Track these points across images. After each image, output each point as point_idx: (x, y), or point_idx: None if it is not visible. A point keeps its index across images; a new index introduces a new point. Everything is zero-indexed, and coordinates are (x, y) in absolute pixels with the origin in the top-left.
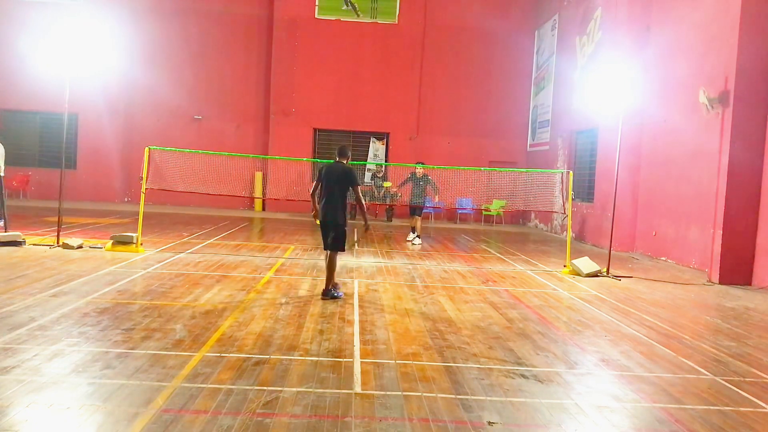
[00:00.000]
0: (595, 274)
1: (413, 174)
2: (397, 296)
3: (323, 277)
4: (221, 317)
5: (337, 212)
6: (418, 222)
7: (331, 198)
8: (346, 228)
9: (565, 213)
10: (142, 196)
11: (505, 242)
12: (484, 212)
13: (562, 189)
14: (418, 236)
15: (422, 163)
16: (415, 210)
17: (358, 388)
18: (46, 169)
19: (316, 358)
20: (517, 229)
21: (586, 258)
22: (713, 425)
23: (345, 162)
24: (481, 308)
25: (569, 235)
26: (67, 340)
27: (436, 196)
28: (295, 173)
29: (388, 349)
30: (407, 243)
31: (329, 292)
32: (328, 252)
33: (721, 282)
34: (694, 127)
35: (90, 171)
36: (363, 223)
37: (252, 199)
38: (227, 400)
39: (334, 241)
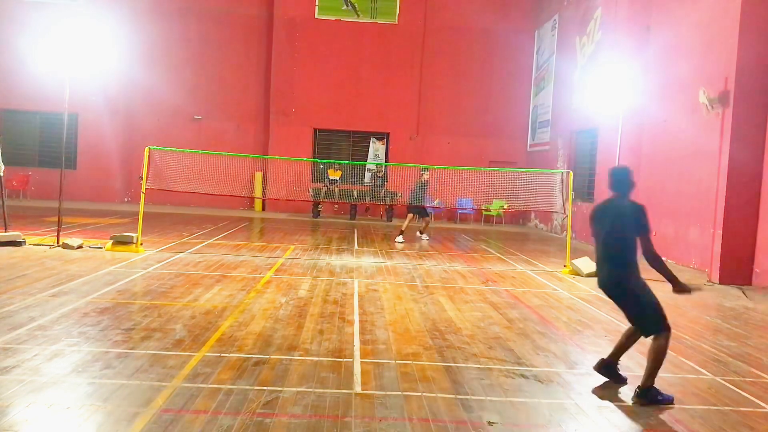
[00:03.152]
0: (595, 274)
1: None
2: (397, 296)
3: (323, 277)
4: (221, 317)
5: (615, 273)
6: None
7: (604, 253)
8: (642, 291)
9: (565, 213)
10: (142, 196)
11: (505, 242)
12: (484, 212)
13: (562, 189)
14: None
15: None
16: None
17: (358, 388)
18: (46, 169)
19: (316, 358)
20: (517, 229)
21: (586, 258)
22: (713, 425)
23: (624, 196)
24: (481, 308)
25: (569, 235)
26: (67, 340)
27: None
28: (295, 173)
29: (388, 349)
30: (422, 240)
31: (649, 393)
32: (644, 337)
33: (721, 282)
34: (694, 127)
35: (90, 171)
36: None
37: (252, 199)
38: (227, 400)
39: (641, 319)
